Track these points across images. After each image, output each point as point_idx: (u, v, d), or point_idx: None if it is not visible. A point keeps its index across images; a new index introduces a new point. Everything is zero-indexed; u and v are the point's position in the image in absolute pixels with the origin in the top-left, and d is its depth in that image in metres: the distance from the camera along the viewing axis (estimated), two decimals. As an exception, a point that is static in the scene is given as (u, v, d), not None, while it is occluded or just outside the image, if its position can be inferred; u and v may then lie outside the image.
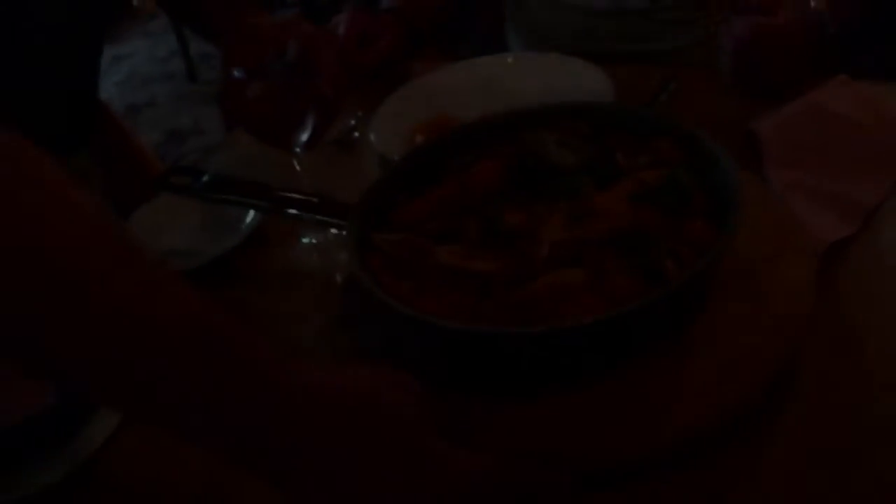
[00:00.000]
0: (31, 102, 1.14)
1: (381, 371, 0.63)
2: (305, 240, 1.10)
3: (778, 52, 1.13)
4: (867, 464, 0.68)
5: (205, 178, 1.01)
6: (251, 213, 1.11)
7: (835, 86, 1.09)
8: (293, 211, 0.99)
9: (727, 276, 0.78)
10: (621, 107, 0.98)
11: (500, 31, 1.71)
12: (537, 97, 1.09)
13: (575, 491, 0.63)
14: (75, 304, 0.55)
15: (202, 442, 0.60)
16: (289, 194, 1.00)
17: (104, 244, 0.58)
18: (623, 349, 0.72)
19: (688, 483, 0.69)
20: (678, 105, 1.18)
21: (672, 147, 0.87)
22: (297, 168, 1.08)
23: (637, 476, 0.69)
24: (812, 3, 1.20)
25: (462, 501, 0.59)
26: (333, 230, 0.99)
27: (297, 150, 1.03)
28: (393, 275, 0.79)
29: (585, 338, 0.69)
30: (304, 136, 1.03)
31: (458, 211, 0.86)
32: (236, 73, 1.04)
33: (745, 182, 0.88)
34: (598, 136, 0.92)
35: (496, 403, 0.72)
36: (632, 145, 0.89)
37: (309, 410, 0.59)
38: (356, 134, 1.30)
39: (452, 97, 1.26)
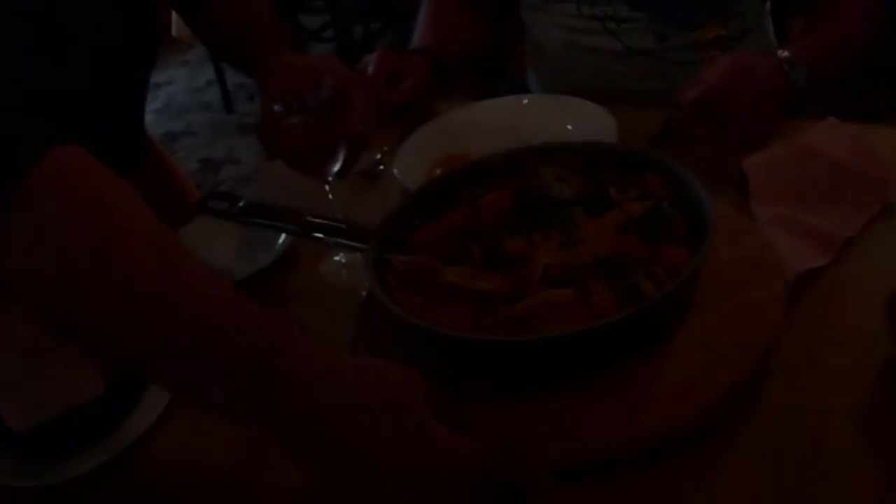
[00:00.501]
0: (86, 127, 1.27)
1: (394, 364, 0.75)
2: (336, 258, 1.22)
3: (744, 98, 1.25)
4: (818, 469, 0.78)
5: (241, 203, 1.15)
6: (283, 235, 1.23)
7: (822, 128, 1.20)
8: (320, 234, 1.12)
9: (704, 297, 0.89)
10: (614, 146, 1.09)
11: (522, 73, 1.84)
12: (547, 136, 1.21)
13: (551, 478, 0.75)
14: (153, 297, 0.70)
15: (239, 411, 0.73)
16: (317, 219, 1.12)
17: (174, 254, 0.71)
18: (603, 358, 0.83)
19: (658, 477, 0.80)
20: (679, 142, 1.29)
21: (659, 182, 0.99)
22: (330, 197, 1.20)
23: (612, 470, 0.80)
24: (783, 54, 1.32)
25: (449, 476, 0.71)
26: (345, 254, 1.11)
27: (329, 178, 1.16)
28: (406, 291, 0.91)
29: (568, 346, 0.81)
30: (336, 167, 1.15)
31: (466, 236, 0.98)
32: (276, 107, 1.16)
33: (729, 216, 1.00)
34: (593, 172, 1.03)
35: (491, 402, 0.84)
36: (623, 180, 1.01)
37: (333, 386, 0.72)
38: (382, 166, 1.42)
39: (470, 135, 1.38)
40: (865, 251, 1.04)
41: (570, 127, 1.32)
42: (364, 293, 1.08)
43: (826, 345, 0.91)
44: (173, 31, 5.01)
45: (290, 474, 0.88)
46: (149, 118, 1.54)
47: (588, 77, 1.61)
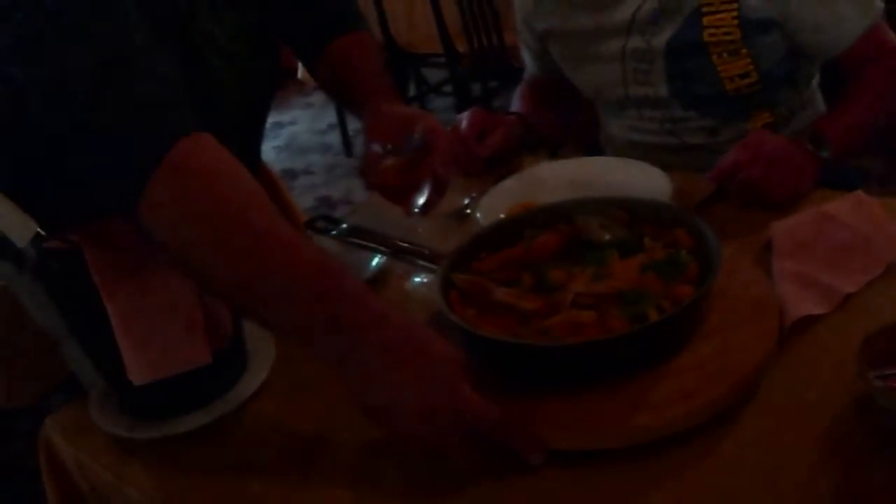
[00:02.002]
0: None
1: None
2: (417, 279, 1.49)
3: (773, 168, 1.49)
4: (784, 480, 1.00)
5: (343, 226, 1.44)
6: (377, 256, 1.50)
7: (848, 199, 1.43)
8: (407, 258, 1.40)
9: (706, 330, 1.13)
10: (652, 202, 1.33)
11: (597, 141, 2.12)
12: (608, 191, 1.48)
13: (542, 457, 1.02)
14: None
15: (308, 340, 1.05)
16: (405, 245, 1.41)
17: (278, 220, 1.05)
18: (609, 367, 1.08)
19: (649, 468, 1.03)
20: (723, 206, 1.53)
21: (686, 235, 1.23)
22: (420, 230, 1.47)
23: (608, 459, 1.04)
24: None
25: (460, 423, 0.99)
26: (428, 274, 1.38)
27: (416, 210, 1.43)
28: (464, 304, 1.18)
29: (581, 354, 1.07)
30: (421, 201, 1.42)
31: (521, 267, 1.25)
32: (375, 147, 1.43)
33: (746, 267, 1.24)
34: (634, 223, 1.28)
35: (516, 395, 1.10)
36: (658, 232, 1.26)
37: (385, 326, 1.01)
38: (468, 210, 1.69)
39: (545, 187, 1.65)
40: (862, 305, 1.24)
41: (630, 185, 1.57)
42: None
43: (808, 380, 1.12)
44: (299, 74, 5.39)
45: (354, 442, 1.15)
46: (270, 154, 1.85)
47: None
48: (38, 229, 1.22)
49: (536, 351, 1.09)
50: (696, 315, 1.12)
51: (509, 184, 1.70)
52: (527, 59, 2.12)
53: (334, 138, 5.74)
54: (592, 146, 2.12)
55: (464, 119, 1.81)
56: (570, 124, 2.20)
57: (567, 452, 1.05)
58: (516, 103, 2.08)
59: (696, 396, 1.04)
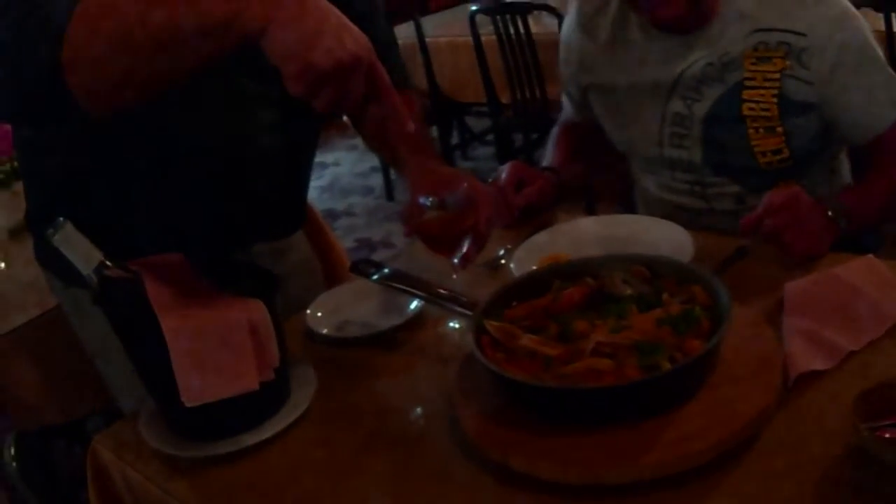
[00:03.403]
0: (255, 197, 1.71)
1: None
2: (451, 323, 1.61)
3: (793, 225, 1.60)
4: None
5: (385, 270, 1.58)
6: (415, 301, 1.62)
7: (858, 262, 1.53)
8: (443, 303, 1.52)
9: (715, 381, 1.24)
10: (672, 261, 1.44)
11: (631, 196, 2.24)
12: (634, 247, 1.60)
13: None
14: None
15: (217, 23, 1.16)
16: (442, 291, 1.53)
17: None
18: (622, 411, 1.19)
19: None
20: (742, 266, 1.64)
21: (702, 292, 1.34)
22: (454, 276, 1.59)
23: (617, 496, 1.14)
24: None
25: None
26: (462, 320, 1.51)
27: (455, 261, 1.55)
28: (494, 348, 1.30)
29: (597, 398, 1.19)
30: (460, 253, 1.54)
31: (548, 316, 1.36)
32: (421, 200, 1.56)
33: (758, 323, 1.35)
34: (655, 280, 1.40)
35: (533, 432, 1.21)
36: (676, 288, 1.37)
37: None
38: (503, 261, 1.81)
39: (574, 242, 1.77)
40: (862, 362, 1.34)
41: (655, 243, 1.68)
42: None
43: (808, 429, 1.22)
44: (344, 118, 5.54)
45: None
46: (312, 194, 1.99)
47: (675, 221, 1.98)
48: (102, 258, 1.35)
49: (556, 393, 1.21)
50: (705, 367, 1.23)
51: (541, 237, 1.83)
52: (566, 103, 2.25)
53: (376, 181, 5.88)
54: (626, 200, 2.24)
55: (503, 171, 1.95)
56: (599, 172, 2.33)
57: (579, 487, 1.16)
58: (550, 147, 2.21)
59: (699, 440, 1.15)
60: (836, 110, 1.83)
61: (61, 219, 1.32)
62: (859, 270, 1.51)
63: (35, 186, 1.75)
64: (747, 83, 1.83)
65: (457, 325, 1.59)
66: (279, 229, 1.90)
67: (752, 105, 1.83)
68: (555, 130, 2.28)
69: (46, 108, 1.25)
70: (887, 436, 1.12)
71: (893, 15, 3.45)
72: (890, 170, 1.83)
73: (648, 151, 2.00)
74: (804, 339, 1.37)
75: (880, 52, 1.83)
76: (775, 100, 1.81)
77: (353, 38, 1.18)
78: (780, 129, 1.83)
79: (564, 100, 2.26)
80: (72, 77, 1.19)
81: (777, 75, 1.80)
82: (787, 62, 1.79)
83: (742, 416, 1.18)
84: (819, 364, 1.32)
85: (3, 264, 3.05)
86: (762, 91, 1.82)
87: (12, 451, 2.30)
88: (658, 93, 1.93)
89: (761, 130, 1.84)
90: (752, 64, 1.82)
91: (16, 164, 2.91)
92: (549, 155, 2.17)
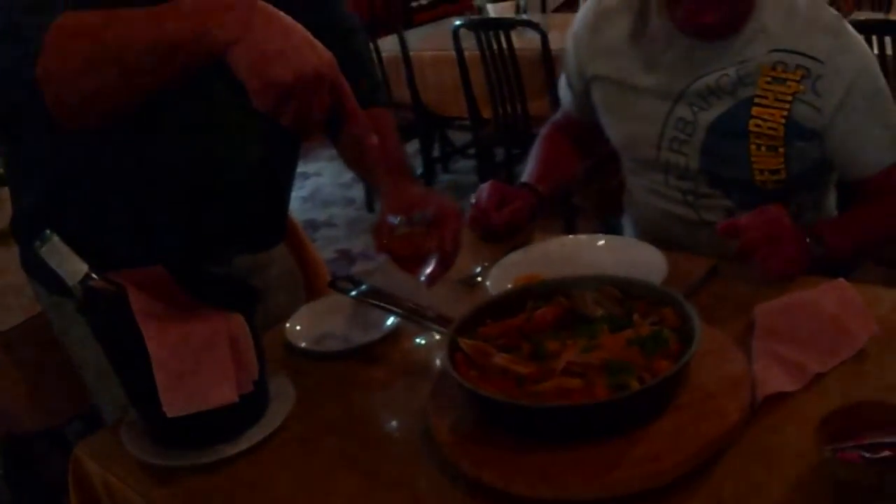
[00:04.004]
0: (236, 210, 1.75)
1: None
2: (426, 340, 1.65)
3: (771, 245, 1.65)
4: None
5: (363, 287, 1.61)
6: (391, 317, 1.66)
7: (829, 286, 1.57)
8: (418, 319, 1.56)
9: (684, 400, 1.28)
10: (644, 283, 1.48)
11: (618, 215, 2.28)
12: (607, 269, 1.64)
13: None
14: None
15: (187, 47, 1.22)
16: (416, 307, 1.57)
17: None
18: (590, 429, 1.23)
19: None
20: (714, 287, 1.69)
21: (672, 314, 1.38)
22: (425, 291, 1.63)
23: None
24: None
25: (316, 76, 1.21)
26: (437, 335, 1.54)
27: (422, 278, 1.58)
28: (467, 365, 1.33)
29: (565, 416, 1.23)
30: (427, 271, 1.58)
31: (521, 335, 1.40)
32: (390, 218, 1.60)
33: (728, 346, 1.39)
34: (626, 301, 1.44)
35: (506, 447, 1.25)
36: (647, 309, 1.41)
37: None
38: (479, 279, 1.85)
39: (549, 261, 1.81)
40: (828, 384, 1.39)
41: (627, 264, 1.72)
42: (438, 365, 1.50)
43: (773, 449, 1.27)
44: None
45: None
46: (294, 204, 2.02)
47: (663, 234, 2.03)
48: (88, 271, 1.39)
49: (527, 411, 1.25)
50: (672, 387, 1.27)
51: (517, 256, 1.87)
52: (564, 97, 2.28)
53: (357, 192, 5.92)
54: (608, 214, 2.28)
55: (483, 190, 1.99)
56: (580, 185, 2.37)
57: (550, 502, 1.20)
58: (532, 158, 2.23)
59: (666, 458, 1.19)
60: (836, 143, 1.87)
61: (48, 231, 1.35)
62: (830, 294, 1.55)
63: (19, 197, 1.78)
64: (758, 100, 1.87)
65: (432, 341, 1.62)
66: (260, 243, 1.93)
67: (759, 122, 1.87)
68: (542, 133, 2.31)
69: (25, 118, 1.35)
70: (849, 457, 1.16)
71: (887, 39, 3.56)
72: (872, 210, 1.89)
73: (645, 152, 2.03)
74: (772, 360, 1.41)
75: (890, 96, 1.89)
76: (783, 121, 1.85)
77: (316, 54, 1.23)
78: (782, 150, 1.88)
79: (563, 93, 2.28)
80: (47, 91, 1.26)
81: (789, 97, 1.85)
82: (802, 86, 1.84)
83: (708, 435, 1.23)
84: (786, 385, 1.36)
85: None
86: (772, 110, 1.86)
87: (-1, 457, 2.33)
88: (667, 95, 1.96)
89: (763, 148, 1.88)
90: (767, 83, 1.86)
91: (1, 171, 2.94)
92: (529, 168, 2.19)
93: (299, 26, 1.24)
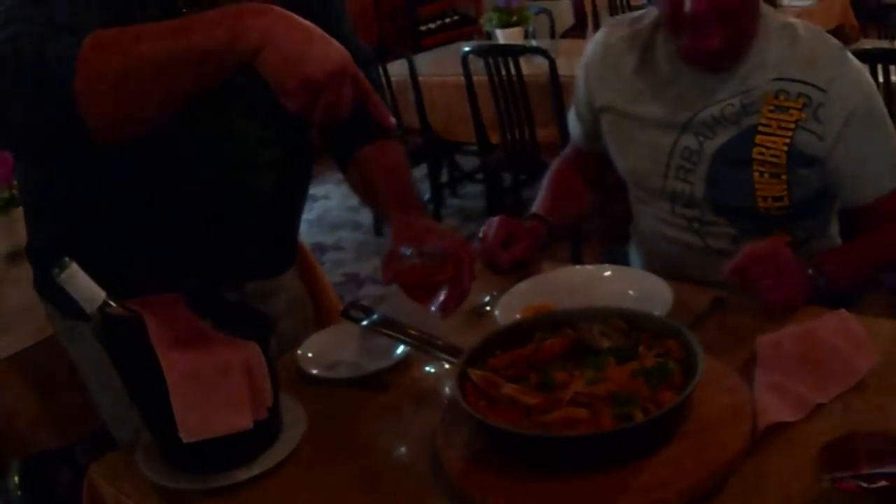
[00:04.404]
0: (247, 234, 1.82)
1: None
2: (435, 369, 1.69)
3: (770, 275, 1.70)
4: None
5: (374, 316, 1.67)
6: (401, 346, 1.70)
7: (831, 317, 1.61)
8: (428, 348, 1.60)
9: (688, 429, 1.32)
10: (649, 315, 1.53)
11: (624, 244, 2.32)
12: (614, 300, 1.69)
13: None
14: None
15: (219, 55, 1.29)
16: (426, 337, 1.61)
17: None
18: (597, 458, 1.28)
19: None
20: (718, 318, 1.73)
21: (677, 346, 1.42)
22: (441, 323, 1.67)
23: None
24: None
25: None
26: (447, 365, 1.58)
27: (433, 309, 1.64)
28: (476, 395, 1.38)
29: (572, 446, 1.27)
30: (438, 301, 1.63)
31: (529, 365, 1.45)
32: (402, 249, 1.64)
33: (730, 375, 1.43)
34: (632, 333, 1.48)
35: (514, 476, 1.29)
36: (651, 341, 1.45)
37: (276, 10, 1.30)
38: (488, 308, 1.89)
39: (557, 292, 1.85)
40: (829, 415, 1.42)
41: (633, 295, 1.76)
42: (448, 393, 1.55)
43: (773, 478, 1.30)
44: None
45: None
46: (301, 227, 2.07)
47: (669, 262, 2.08)
48: (105, 298, 1.43)
49: (535, 441, 1.29)
50: (676, 417, 1.31)
51: (526, 286, 1.92)
52: (574, 130, 2.34)
53: (365, 216, 5.96)
54: (615, 242, 2.32)
55: (491, 226, 2.03)
56: (588, 215, 2.41)
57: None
58: (542, 190, 2.28)
59: (670, 486, 1.24)
60: (836, 169, 1.92)
61: (66, 259, 1.40)
62: (831, 325, 1.59)
63: (35, 221, 1.84)
64: (762, 128, 1.92)
65: (441, 370, 1.66)
66: (270, 267, 1.97)
67: (763, 150, 1.91)
68: (552, 167, 2.35)
69: (63, 141, 1.39)
70: (847, 487, 1.20)
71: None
72: (872, 239, 1.93)
73: (652, 181, 2.08)
74: (774, 391, 1.45)
75: (890, 124, 1.94)
76: (786, 148, 1.90)
77: (335, 49, 1.31)
78: (784, 177, 1.92)
79: (573, 126, 2.34)
80: (83, 106, 1.31)
81: (792, 125, 1.89)
82: (804, 114, 1.89)
83: (710, 464, 1.27)
84: (787, 416, 1.40)
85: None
86: (775, 138, 1.91)
87: (16, 478, 2.36)
88: (673, 126, 2.01)
89: (766, 175, 1.92)
90: (770, 111, 1.91)
91: (14, 191, 2.99)
92: (539, 199, 2.24)
93: (314, 26, 1.32)
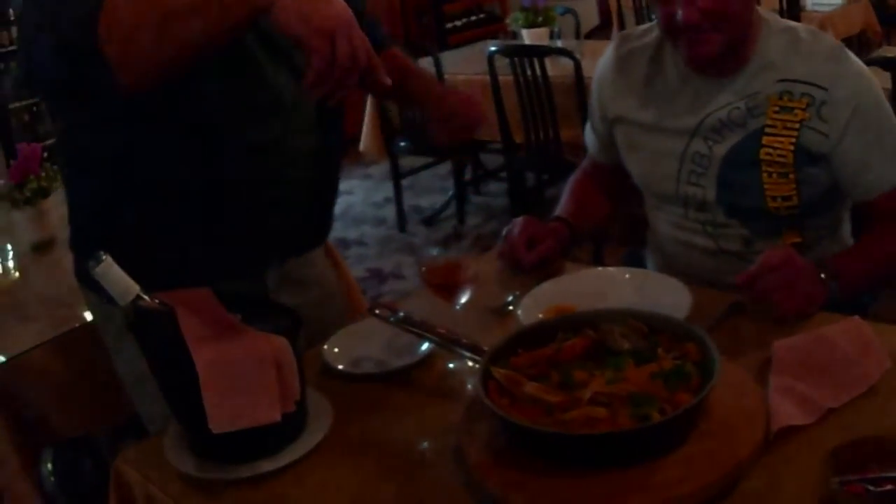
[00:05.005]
0: (292, 199, 1.91)
1: None
2: (459, 365, 1.73)
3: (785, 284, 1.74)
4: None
5: (400, 314, 1.72)
6: (426, 343, 1.75)
7: (845, 323, 1.65)
8: (451, 346, 1.64)
9: (703, 430, 1.36)
10: (668, 318, 1.56)
11: (643, 248, 2.36)
12: (633, 302, 1.73)
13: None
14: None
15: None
16: (450, 335, 1.66)
17: None
18: (615, 456, 1.32)
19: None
20: (735, 322, 1.77)
21: (695, 349, 1.46)
22: (465, 322, 1.72)
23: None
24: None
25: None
26: (470, 362, 1.63)
27: (457, 307, 1.68)
28: (499, 393, 1.42)
29: (592, 444, 1.32)
30: (462, 300, 1.69)
31: (550, 365, 1.49)
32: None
33: (746, 380, 1.47)
34: (651, 335, 1.52)
35: (535, 472, 1.34)
36: (670, 343, 1.49)
37: None
38: (511, 307, 1.93)
39: (579, 293, 1.89)
40: (840, 419, 1.46)
41: (653, 298, 1.80)
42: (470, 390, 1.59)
43: (784, 479, 1.34)
44: (361, 147, 5.68)
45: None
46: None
47: (684, 265, 2.11)
48: (139, 292, 1.48)
49: (555, 438, 1.34)
50: (692, 418, 1.35)
51: (548, 286, 1.96)
52: (590, 142, 2.38)
53: (389, 212, 6.01)
54: (634, 244, 2.36)
55: (515, 227, 2.08)
56: (609, 220, 2.46)
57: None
58: (564, 196, 2.33)
59: (684, 485, 1.28)
60: (842, 165, 1.96)
61: (102, 253, 1.45)
62: (845, 331, 1.63)
63: (77, 211, 1.91)
64: (768, 130, 1.97)
65: (464, 367, 1.71)
66: (311, 237, 2.07)
67: (770, 150, 1.96)
68: (572, 178, 2.40)
69: (85, 71, 1.50)
70: (855, 490, 1.23)
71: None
72: (883, 237, 1.96)
73: (665, 187, 2.12)
74: (787, 394, 1.48)
75: (893, 117, 1.98)
76: (792, 148, 1.95)
77: (338, 3, 1.45)
78: (792, 177, 1.97)
79: (589, 139, 2.38)
80: (108, 47, 1.45)
81: (797, 125, 1.94)
82: (808, 113, 1.93)
83: (724, 464, 1.31)
84: (799, 419, 1.44)
85: (17, 274, 3.19)
86: (781, 139, 1.95)
87: (49, 466, 2.42)
88: (683, 132, 2.06)
89: (774, 175, 1.97)
90: (775, 112, 1.96)
91: (43, 183, 3.06)
92: (562, 203, 2.29)
93: None
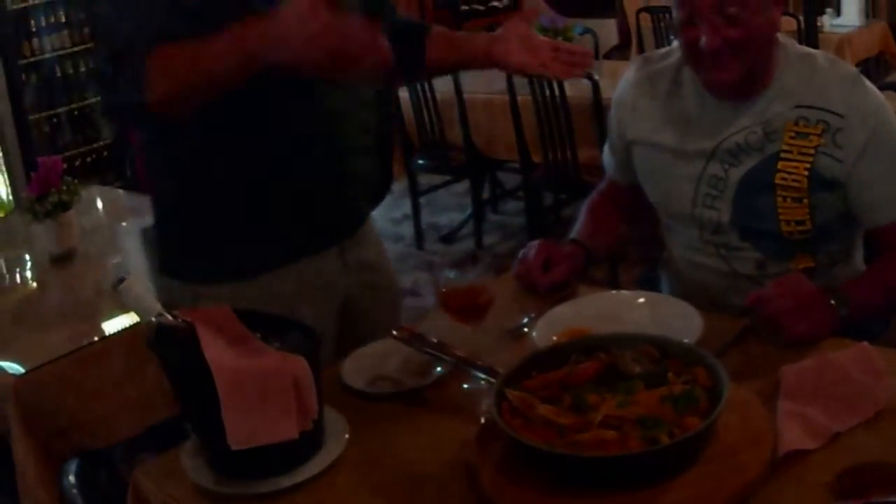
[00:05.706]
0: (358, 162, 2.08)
1: None
2: (473, 386, 1.76)
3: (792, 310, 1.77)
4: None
5: (419, 336, 1.75)
6: (441, 364, 1.78)
7: (853, 350, 1.67)
8: (466, 367, 1.68)
9: (710, 454, 1.40)
10: (679, 343, 1.60)
11: (656, 269, 2.39)
12: (645, 326, 1.76)
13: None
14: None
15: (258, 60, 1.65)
16: (465, 356, 1.70)
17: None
18: (624, 478, 1.36)
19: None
20: (746, 347, 1.80)
21: (704, 373, 1.49)
22: (480, 343, 1.76)
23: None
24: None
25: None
26: (484, 383, 1.67)
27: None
28: (512, 414, 1.46)
29: (601, 466, 1.35)
30: (480, 323, 1.73)
31: (563, 387, 1.52)
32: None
33: (753, 403, 1.50)
34: (662, 359, 1.56)
35: (544, 492, 1.38)
36: (680, 368, 1.53)
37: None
38: (526, 329, 1.97)
39: (593, 316, 1.92)
40: (846, 443, 1.48)
41: (665, 321, 1.84)
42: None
43: (789, 502, 1.37)
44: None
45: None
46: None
47: (698, 286, 2.14)
48: (161, 310, 1.52)
49: (566, 459, 1.38)
50: (700, 442, 1.39)
51: (563, 309, 1.99)
52: (608, 164, 2.42)
53: (407, 229, 6.04)
54: (649, 266, 2.40)
55: (531, 249, 2.12)
56: (625, 244, 2.49)
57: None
58: (581, 218, 2.36)
59: (694, 505, 1.32)
60: (856, 191, 1.99)
61: (127, 274, 1.50)
62: (853, 357, 1.65)
63: (162, 208, 2.08)
64: (783, 154, 2.00)
65: (479, 388, 1.74)
66: (376, 192, 2.24)
67: (785, 175, 1.99)
68: (589, 199, 2.43)
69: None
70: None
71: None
72: (894, 264, 1.99)
73: (680, 209, 2.16)
74: (795, 419, 1.51)
75: None
76: (807, 173, 1.98)
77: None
78: (806, 201, 2.00)
79: (607, 161, 2.42)
80: (153, 108, 1.70)
81: (812, 150, 1.98)
82: (823, 139, 1.97)
83: (730, 487, 1.35)
84: (806, 443, 1.47)
85: (34, 284, 3.24)
86: (796, 164, 1.98)
87: (71, 478, 2.47)
88: (700, 155, 2.09)
89: (789, 199, 2.00)
90: (791, 138, 1.99)
91: (63, 196, 3.12)
92: (579, 225, 2.32)
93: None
